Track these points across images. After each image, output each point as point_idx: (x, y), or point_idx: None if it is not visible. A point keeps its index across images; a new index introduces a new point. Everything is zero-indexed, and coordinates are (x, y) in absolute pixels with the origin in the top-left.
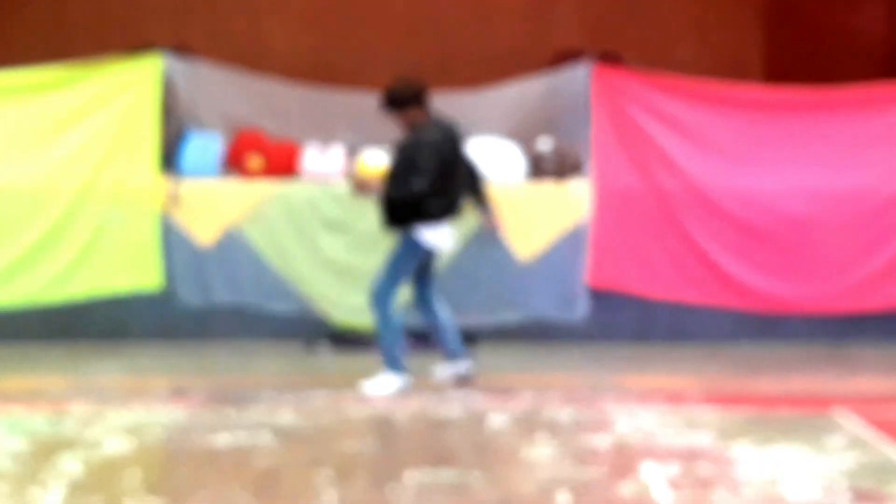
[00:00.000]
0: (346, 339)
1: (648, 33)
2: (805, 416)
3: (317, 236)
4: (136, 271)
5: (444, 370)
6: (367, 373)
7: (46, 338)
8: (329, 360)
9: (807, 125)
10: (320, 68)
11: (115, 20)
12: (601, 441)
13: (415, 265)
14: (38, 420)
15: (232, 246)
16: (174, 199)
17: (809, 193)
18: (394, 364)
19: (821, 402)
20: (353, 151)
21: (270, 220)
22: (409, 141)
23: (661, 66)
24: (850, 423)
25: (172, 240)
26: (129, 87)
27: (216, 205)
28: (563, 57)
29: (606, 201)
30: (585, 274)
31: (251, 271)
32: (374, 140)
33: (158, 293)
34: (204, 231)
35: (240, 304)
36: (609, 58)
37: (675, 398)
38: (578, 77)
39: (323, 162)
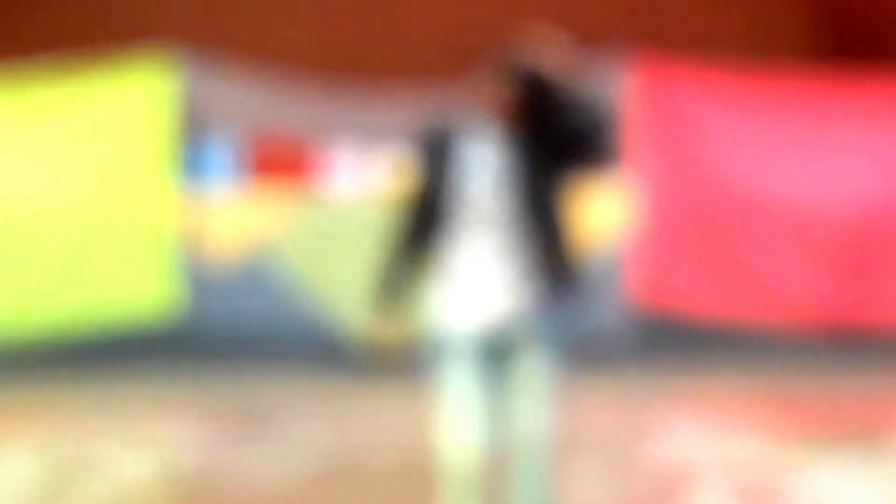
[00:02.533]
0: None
1: (679, 6)
2: (862, 432)
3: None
4: (153, 297)
5: None
6: (400, 395)
7: (65, 354)
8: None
9: (865, 127)
10: (341, 65)
11: (127, 17)
12: (649, 453)
13: None
14: (56, 442)
15: (259, 267)
16: (191, 216)
17: (869, 200)
18: None
19: (880, 418)
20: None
21: (307, 239)
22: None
23: (684, 38)
24: None
25: (192, 261)
26: (142, 94)
27: (240, 221)
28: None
29: (649, 209)
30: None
31: (279, 297)
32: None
33: (178, 318)
34: (227, 251)
35: (264, 328)
36: (642, 47)
37: (729, 408)
38: (609, 75)
39: (360, 168)
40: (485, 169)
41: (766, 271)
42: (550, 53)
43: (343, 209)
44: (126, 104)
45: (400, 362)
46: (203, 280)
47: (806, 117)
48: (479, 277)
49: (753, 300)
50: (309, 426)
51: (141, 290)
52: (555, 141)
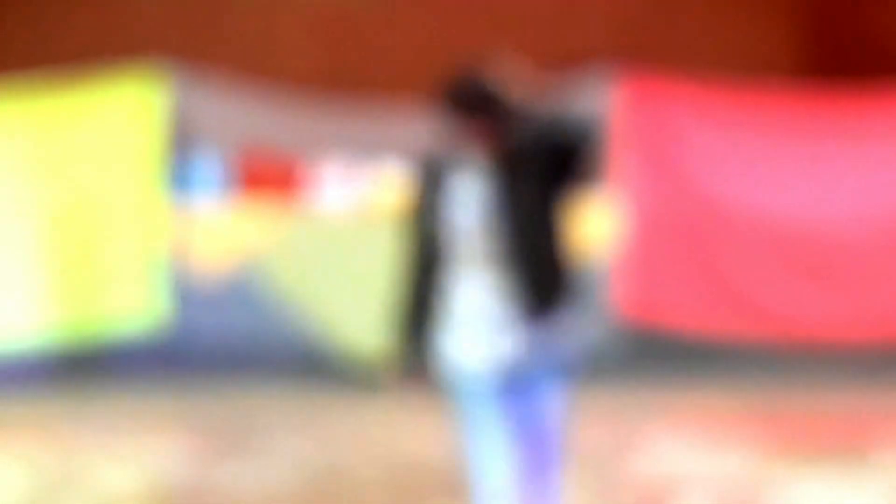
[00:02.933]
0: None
1: (665, 24)
2: (845, 447)
3: (351, 269)
4: (140, 311)
5: None
6: (385, 409)
7: (51, 367)
8: (344, 395)
9: (849, 142)
10: (333, 80)
11: (118, 32)
12: (634, 467)
13: None
14: (41, 454)
15: (246, 282)
16: (179, 230)
17: (861, 218)
18: None
19: (866, 430)
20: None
21: (294, 254)
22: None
23: (669, 54)
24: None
25: (179, 276)
26: (131, 108)
27: (227, 235)
28: (578, 58)
29: (634, 226)
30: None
31: (265, 311)
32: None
33: (165, 332)
34: (214, 265)
35: (250, 343)
36: (628, 63)
37: (713, 422)
38: (595, 91)
39: (348, 183)
40: (474, 197)
41: (751, 286)
42: (510, 76)
43: (330, 224)
44: (115, 118)
45: (410, 382)
46: (190, 294)
47: (790, 133)
48: (478, 306)
49: (738, 315)
50: (294, 440)
51: (127, 304)
52: (535, 161)
